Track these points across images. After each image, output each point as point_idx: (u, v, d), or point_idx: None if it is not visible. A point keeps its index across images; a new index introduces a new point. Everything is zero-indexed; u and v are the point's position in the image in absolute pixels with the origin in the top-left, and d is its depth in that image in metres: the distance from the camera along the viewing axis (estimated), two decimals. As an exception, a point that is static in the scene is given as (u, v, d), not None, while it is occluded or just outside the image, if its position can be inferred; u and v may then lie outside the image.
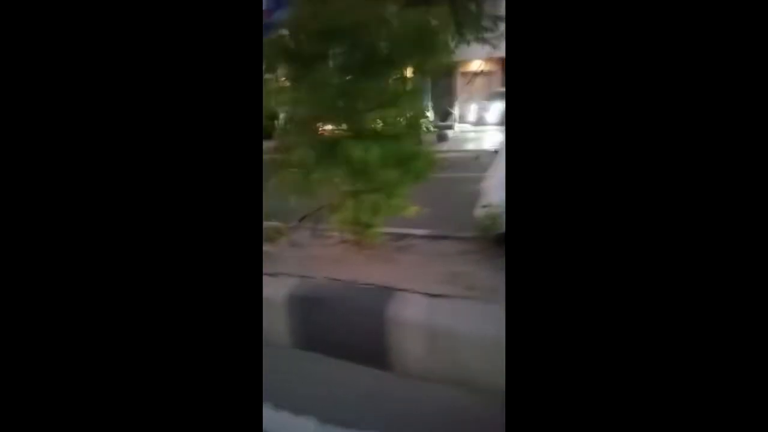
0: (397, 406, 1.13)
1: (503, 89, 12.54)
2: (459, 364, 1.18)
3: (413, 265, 1.61)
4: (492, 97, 11.76)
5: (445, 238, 1.88)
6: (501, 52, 7.06)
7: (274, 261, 1.69)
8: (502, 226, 1.58)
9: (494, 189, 1.74)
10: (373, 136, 1.58)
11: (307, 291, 1.46)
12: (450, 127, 8.11)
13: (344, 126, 1.66)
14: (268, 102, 1.60)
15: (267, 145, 1.46)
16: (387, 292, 1.37)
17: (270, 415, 0.99)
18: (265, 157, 0.87)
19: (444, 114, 9.07)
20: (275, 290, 1.45)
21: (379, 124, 1.61)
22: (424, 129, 1.71)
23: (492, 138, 7.79)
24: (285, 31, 1.63)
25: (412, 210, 1.70)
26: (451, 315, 1.24)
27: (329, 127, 1.72)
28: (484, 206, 1.75)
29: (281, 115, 1.76)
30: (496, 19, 6.47)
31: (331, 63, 1.64)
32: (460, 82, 11.81)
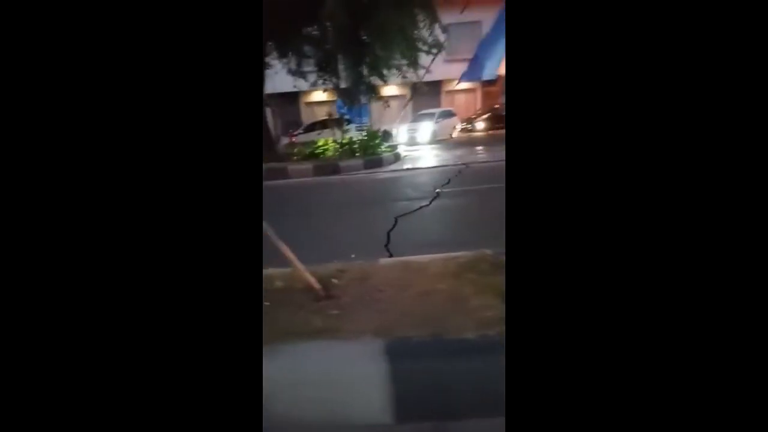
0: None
1: (429, 111, 13.77)
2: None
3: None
4: (418, 118, 12.93)
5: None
6: (410, 79, 8.29)
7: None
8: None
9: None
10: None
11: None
12: (395, 148, 8.98)
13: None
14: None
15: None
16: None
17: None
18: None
19: (384, 136, 9.97)
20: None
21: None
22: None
23: (435, 155, 8.38)
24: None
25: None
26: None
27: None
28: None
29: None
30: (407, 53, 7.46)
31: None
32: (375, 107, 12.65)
